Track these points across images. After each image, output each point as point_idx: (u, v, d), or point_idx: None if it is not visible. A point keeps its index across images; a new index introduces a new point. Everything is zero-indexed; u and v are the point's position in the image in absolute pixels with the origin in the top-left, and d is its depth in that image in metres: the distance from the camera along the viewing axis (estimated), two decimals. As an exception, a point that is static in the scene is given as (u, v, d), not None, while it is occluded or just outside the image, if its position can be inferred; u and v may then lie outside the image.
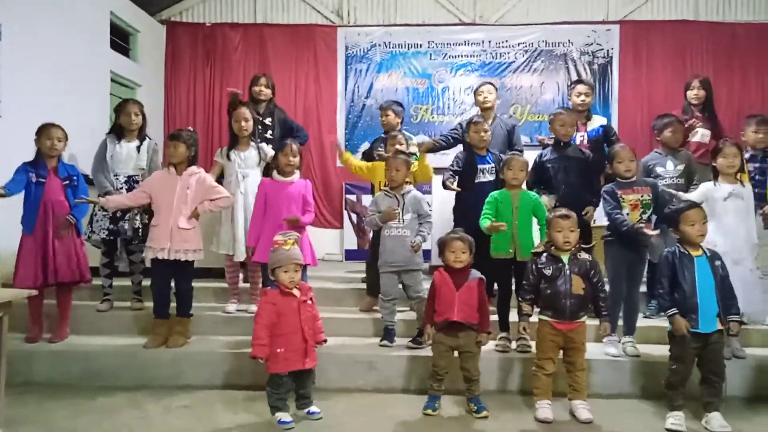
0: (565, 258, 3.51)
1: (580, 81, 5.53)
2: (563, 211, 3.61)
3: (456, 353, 3.60)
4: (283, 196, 4.24)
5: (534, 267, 3.58)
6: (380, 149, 5.00)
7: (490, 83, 5.35)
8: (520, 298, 3.64)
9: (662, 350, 3.61)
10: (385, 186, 4.40)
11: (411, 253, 4.12)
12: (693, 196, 4.10)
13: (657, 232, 3.81)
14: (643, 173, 4.46)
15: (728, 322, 3.36)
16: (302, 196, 4.31)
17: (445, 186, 4.66)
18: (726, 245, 3.82)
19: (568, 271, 3.48)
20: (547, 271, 3.50)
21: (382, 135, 5.47)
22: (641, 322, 4.26)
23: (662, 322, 3.61)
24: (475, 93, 5.33)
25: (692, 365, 3.41)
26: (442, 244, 3.67)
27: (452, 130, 5.35)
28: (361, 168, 5.00)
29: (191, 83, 8.06)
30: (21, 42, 5.20)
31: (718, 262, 3.43)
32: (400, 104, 5.53)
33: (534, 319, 3.64)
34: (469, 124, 4.72)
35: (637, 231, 3.87)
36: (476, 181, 4.60)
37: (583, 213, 4.39)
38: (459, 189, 4.63)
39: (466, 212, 4.53)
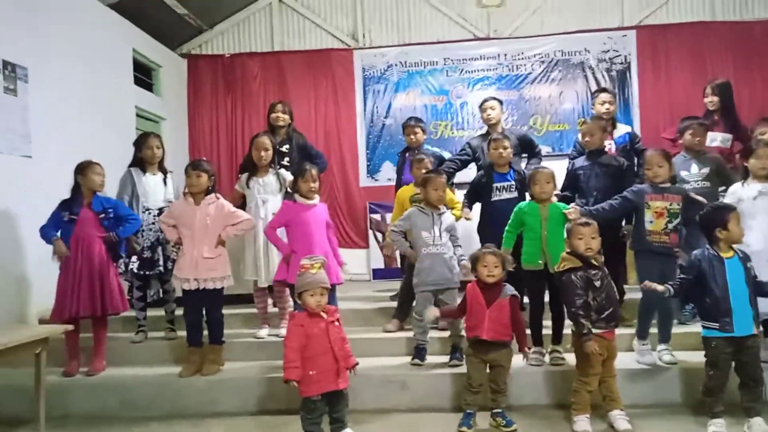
0: (598, 264, 3.49)
1: (603, 90, 5.51)
2: (583, 218, 3.58)
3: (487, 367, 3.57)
4: (308, 217, 4.28)
5: (582, 280, 3.43)
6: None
7: (495, 98, 5.39)
8: (580, 317, 3.38)
9: (699, 357, 3.53)
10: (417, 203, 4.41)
11: (449, 271, 4.10)
12: (726, 200, 4.04)
13: (661, 288, 3.48)
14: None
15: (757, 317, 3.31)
16: (324, 219, 4.38)
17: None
18: (758, 245, 3.74)
19: (608, 279, 3.46)
20: (597, 282, 3.43)
21: (404, 152, 5.52)
22: (676, 328, 4.17)
23: (698, 328, 3.53)
24: (480, 109, 5.35)
25: (729, 370, 3.34)
26: (475, 259, 3.64)
27: (461, 151, 5.39)
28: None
29: (213, 114, 8.24)
30: (47, 84, 5.36)
31: (750, 264, 3.37)
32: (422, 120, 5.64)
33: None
34: (490, 142, 4.72)
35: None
36: (492, 199, 4.61)
37: (620, 235, 4.42)
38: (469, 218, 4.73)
39: (484, 231, 4.58)
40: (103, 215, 4.35)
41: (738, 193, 4.01)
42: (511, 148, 4.67)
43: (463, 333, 3.87)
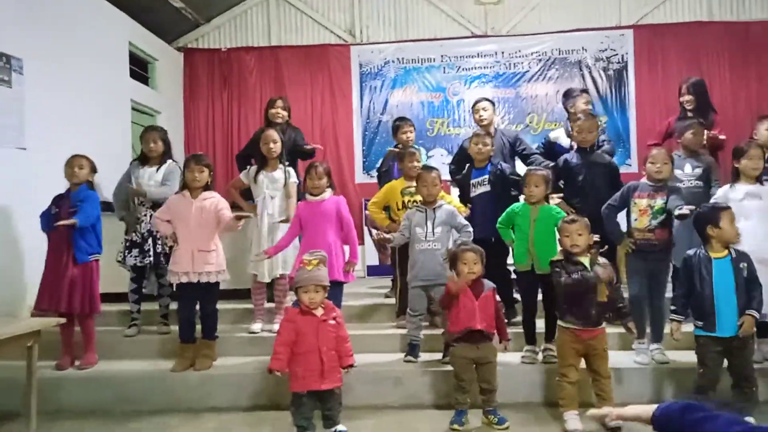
0: (586, 262, 3.48)
1: (585, 90, 5.53)
2: (571, 215, 3.60)
3: (474, 365, 3.58)
4: (316, 214, 4.27)
5: (563, 277, 3.49)
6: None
7: (487, 99, 5.35)
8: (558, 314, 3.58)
9: (691, 356, 3.55)
10: (415, 202, 4.41)
11: (441, 267, 4.08)
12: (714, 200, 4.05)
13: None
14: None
15: (743, 315, 3.28)
16: (336, 212, 4.30)
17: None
18: (746, 246, 3.73)
19: (592, 278, 3.45)
20: (576, 276, 3.45)
21: (395, 149, 5.46)
22: (668, 328, 4.18)
23: (690, 328, 3.55)
24: (473, 110, 5.34)
25: (718, 369, 3.37)
26: (454, 257, 3.68)
27: (456, 153, 5.32)
28: (379, 208, 4.86)
29: (209, 108, 8.22)
30: (42, 75, 5.34)
31: (743, 264, 3.36)
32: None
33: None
34: (472, 137, 4.73)
35: (617, 242, 4.05)
36: (471, 195, 4.64)
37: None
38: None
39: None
40: (74, 209, 4.28)
41: (726, 195, 4.02)
42: (491, 146, 4.65)
43: None
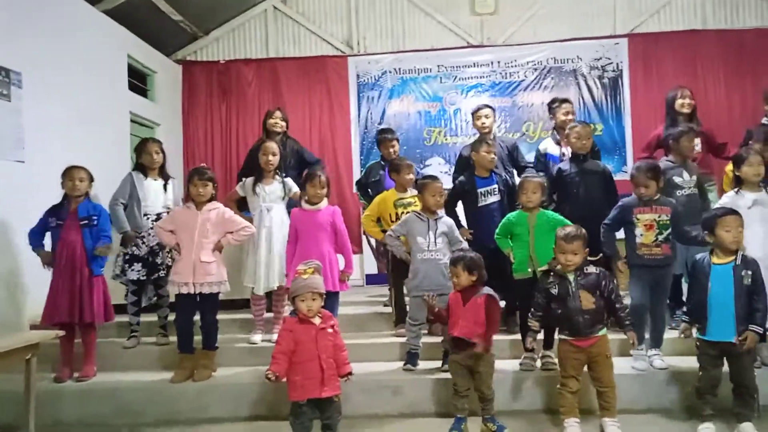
0: (571, 275, 3.47)
1: (565, 100, 5.56)
2: (567, 231, 3.52)
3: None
4: (312, 224, 4.31)
5: (541, 286, 3.58)
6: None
7: (488, 106, 5.39)
8: (529, 315, 3.63)
9: (690, 362, 3.57)
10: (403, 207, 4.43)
11: (444, 277, 4.06)
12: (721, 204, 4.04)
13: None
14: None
15: (744, 330, 3.25)
16: (330, 223, 4.34)
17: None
18: (755, 253, 3.66)
19: (574, 288, 3.45)
20: (554, 290, 3.49)
21: (381, 162, 5.47)
22: (668, 334, 4.19)
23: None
24: (474, 116, 5.35)
25: (717, 372, 3.38)
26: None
27: (457, 163, 5.34)
28: (372, 221, 4.88)
29: (208, 120, 8.26)
30: (41, 88, 5.36)
31: (746, 272, 3.29)
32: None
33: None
34: (482, 144, 4.69)
35: (611, 258, 4.09)
36: (479, 205, 4.62)
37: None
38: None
39: (475, 237, 4.57)
40: (86, 222, 4.32)
41: (734, 201, 4.00)
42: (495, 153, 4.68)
43: None
